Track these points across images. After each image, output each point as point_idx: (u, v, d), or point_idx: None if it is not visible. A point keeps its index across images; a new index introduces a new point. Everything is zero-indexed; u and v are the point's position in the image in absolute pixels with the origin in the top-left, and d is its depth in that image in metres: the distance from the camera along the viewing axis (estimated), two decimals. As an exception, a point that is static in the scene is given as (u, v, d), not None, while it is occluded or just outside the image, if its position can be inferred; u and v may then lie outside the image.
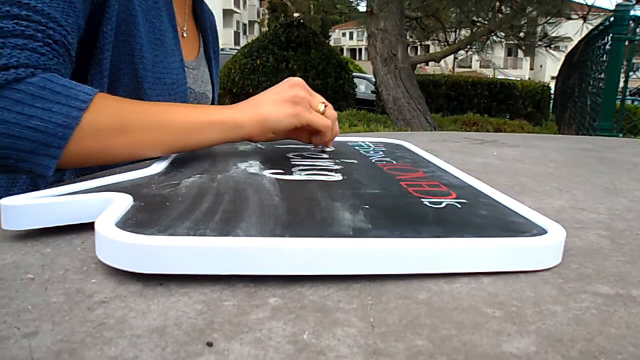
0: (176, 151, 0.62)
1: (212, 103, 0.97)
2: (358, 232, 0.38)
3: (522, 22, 5.71)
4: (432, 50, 8.77)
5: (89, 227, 0.41)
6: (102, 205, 0.42)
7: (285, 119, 0.63)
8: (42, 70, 0.55)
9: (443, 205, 0.47)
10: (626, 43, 3.04)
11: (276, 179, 0.54)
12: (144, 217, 0.40)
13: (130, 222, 0.38)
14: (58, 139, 0.52)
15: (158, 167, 0.57)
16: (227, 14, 34.86)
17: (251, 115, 0.63)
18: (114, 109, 0.57)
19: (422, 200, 0.48)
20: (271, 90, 0.66)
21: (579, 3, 5.50)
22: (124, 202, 0.42)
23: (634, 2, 4.72)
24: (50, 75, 0.54)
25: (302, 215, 0.42)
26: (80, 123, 0.53)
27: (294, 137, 0.72)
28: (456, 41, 6.75)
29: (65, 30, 0.60)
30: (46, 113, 0.52)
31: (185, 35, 0.89)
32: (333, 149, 0.74)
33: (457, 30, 6.90)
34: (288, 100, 0.64)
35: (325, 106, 0.67)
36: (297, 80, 0.66)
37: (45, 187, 0.48)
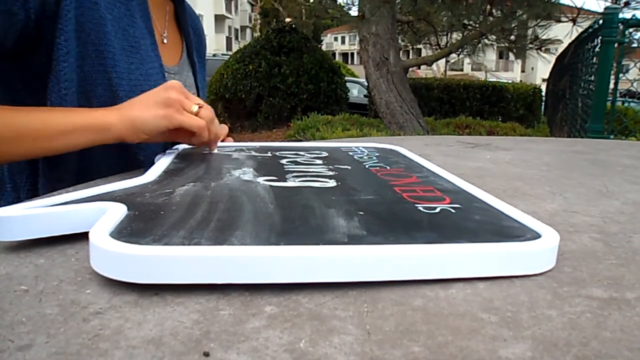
0: (39, 156, 0.64)
1: None
2: (353, 239, 0.38)
3: (513, 25, 5.74)
4: (424, 53, 8.81)
5: (82, 237, 0.40)
6: (96, 214, 0.42)
7: (155, 120, 0.64)
8: None
9: (437, 210, 0.47)
10: (615, 45, 3.06)
11: (270, 185, 0.54)
12: (138, 227, 0.39)
13: (125, 232, 0.38)
14: None
15: (152, 175, 0.57)
16: (219, 19, 34.86)
17: (121, 117, 0.64)
18: None
19: (416, 205, 0.48)
20: (146, 94, 0.66)
21: (568, 6, 5.54)
22: (118, 211, 0.42)
23: (623, 5, 4.76)
24: None
25: (297, 223, 0.42)
26: None
27: (173, 139, 0.72)
28: (448, 44, 6.77)
29: None
30: None
31: (165, 41, 0.88)
32: (216, 151, 0.74)
33: (449, 34, 6.93)
34: (159, 102, 0.64)
35: (200, 107, 0.67)
36: (173, 82, 0.67)
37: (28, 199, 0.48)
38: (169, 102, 0.64)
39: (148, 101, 0.65)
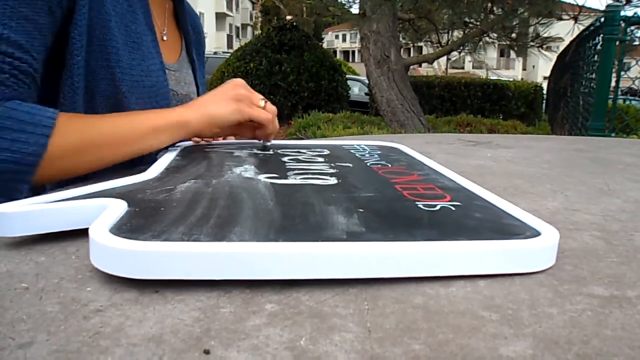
0: (135, 156, 0.68)
1: None
2: (352, 236, 0.38)
3: (514, 23, 5.73)
4: (425, 51, 8.80)
5: (83, 234, 0.40)
6: (97, 211, 0.42)
7: (230, 114, 0.72)
8: (5, 100, 0.57)
9: (437, 208, 0.47)
10: (617, 43, 3.06)
11: (271, 183, 0.54)
12: (139, 223, 0.39)
13: (125, 228, 0.38)
14: (28, 166, 0.57)
15: (153, 172, 0.57)
16: (220, 17, 34.84)
17: (198, 114, 0.71)
18: (75, 129, 0.62)
19: (417, 203, 0.48)
20: (215, 91, 0.74)
21: (569, 4, 5.53)
22: (118, 207, 0.42)
23: (624, 2, 4.75)
24: (13, 104, 0.57)
25: (297, 220, 0.42)
26: (47, 149, 0.58)
27: (238, 133, 0.80)
28: (449, 42, 6.77)
29: (32, 56, 0.62)
30: (14, 144, 0.56)
31: (165, 38, 0.89)
32: (271, 143, 0.80)
33: (450, 32, 6.92)
34: (231, 98, 0.72)
35: (265, 102, 0.76)
36: (239, 80, 0.75)
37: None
38: (240, 97, 0.72)
39: (221, 97, 0.72)
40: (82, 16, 0.67)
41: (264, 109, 0.75)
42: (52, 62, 0.68)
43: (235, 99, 0.72)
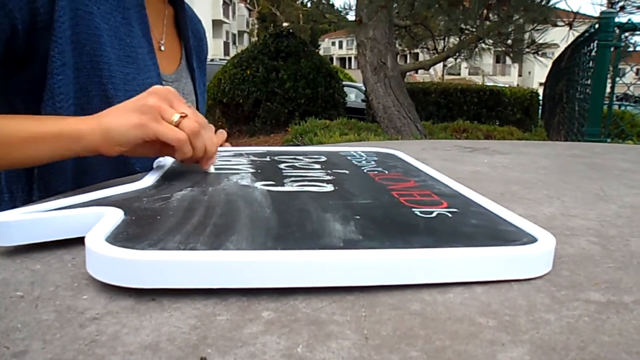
0: (12, 167, 0.60)
1: None
2: (349, 244, 0.38)
3: (510, 29, 5.76)
4: (421, 58, 8.82)
5: (79, 242, 0.40)
6: (93, 219, 0.42)
7: (129, 129, 0.56)
8: None
9: (434, 214, 0.47)
10: (612, 49, 3.07)
11: (268, 190, 0.54)
12: (135, 232, 0.39)
13: (121, 237, 0.38)
14: None
15: (149, 180, 0.57)
16: (217, 24, 34.92)
17: (93, 125, 0.58)
18: None
19: (413, 210, 0.48)
20: (128, 100, 0.59)
21: (564, 10, 5.57)
22: (114, 216, 0.42)
23: (618, 9, 4.79)
24: None
25: (293, 227, 0.42)
26: None
27: (160, 153, 0.64)
28: (445, 49, 6.79)
29: None
30: None
31: (162, 48, 0.87)
32: (213, 170, 0.63)
33: (446, 38, 6.95)
34: (136, 109, 0.57)
35: (182, 117, 0.58)
36: (159, 87, 0.60)
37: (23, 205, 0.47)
38: (145, 109, 0.57)
39: (125, 108, 0.58)
40: (63, 33, 0.65)
41: (177, 126, 0.57)
42: (32, 82, 0.67)
43: (140, 111, 0.57)
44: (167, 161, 0.68)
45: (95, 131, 0.57)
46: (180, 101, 0.60)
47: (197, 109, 0.96)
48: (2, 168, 0.60)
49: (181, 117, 0.57)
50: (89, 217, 0.43)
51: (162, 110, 0.57)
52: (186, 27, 0.92)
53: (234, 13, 40.32)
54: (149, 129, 0.56)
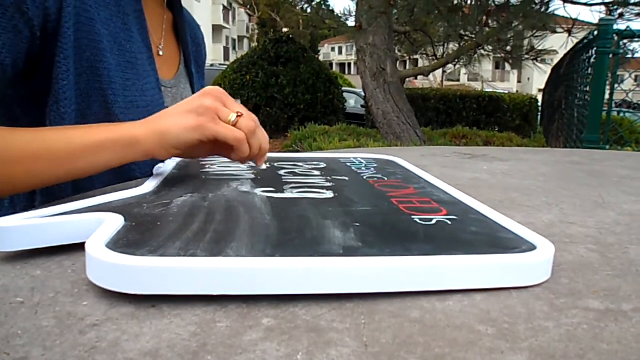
0: (65, 179, 0.58)
1: None
2: (348, 251, 0.38)
3: (509, 36, 5.78)
4: (420, 64, 8.85)
5: (79, 248, 0.40)
6: (94, 225, 0.42)
7: (186, 132, 0.56)
8: None
9: (433, 222, 0.47)
10: (610, 56, 3.09)
11: (267, 197, 0.54)
12: (135, 238, 0.39)
13: (121, 243, 0.38)
14: None
15: (150, 185, 0.57)
16: (217, 29, 35.00)
17: (149, 129, 0.57)
18: None
19: (413, 217, 0.49)
20: (181, 102, 0.59)
21: (563, 17, 5.59)
22: (115, 222, 0.42)
23: (617, 16, 4.81)
24: None
25: (293, 234, 0.42)
26: None
27: (214, 153, 0.65)
28: (444, 55, 6.81)
29: None
30: None
31: (161, 53, 0.86)
32: (266, 167, 0.65)
33: (445, 44, 6.97)
34: (192, 111, 0.57)
35: (239, 116, 0.58)
36: (212, 88, 0.59)
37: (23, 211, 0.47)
38: (202, 111, 0.57)
39: (180, 110, 0.58)
40: (68, 39, 0.65)
41: (235, 125, 0.58)
42: (37, 88, 0.66)
43: (197, 112, 0.57)
44: (167, 167, 0.68)
45: (150, 135, 0.57)
46: (232, 101, 0.60)
47: None
48: (72, 177, 0.58)
49: (238, 116, 0.58)
50: (89, 223, 0.43)
51: (219, 110, 0.57)
52: (185, 33, 0.92)
53: (234, 18, 40.43)
54: (208, 130, 0.56)
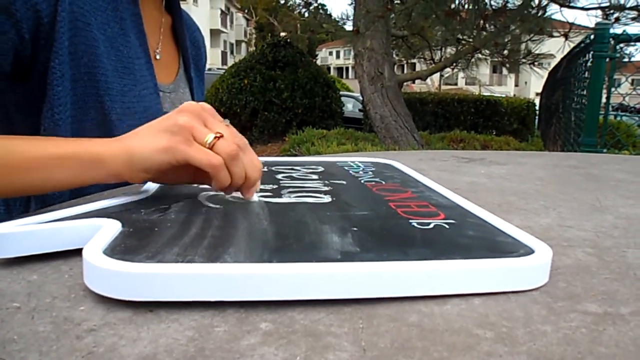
0: (22, 192, 0.54)
1: None
2: (346, 256, 0.38)
3: (506, 40, 5.81)
4: (418, 68, 8.88)
5: (76, 252, 0.40)
6: (91, 231, 0.42)
7: (156, 153, 0.49)
8: None
9: (431, 226, 0.47)
10: (607, 60, 3.10)
11: (265, 202, 0.54)
12: (132, 244, 0.39)
13: (118, 249, 0.38)
14: None
15: (147, 190, 0.57)
16: (215, 33, 35.03)
17: (117, 148, 0.51)
18: None
19: (411, 221, 0.48)
20: (158, 119, 0.52)
21: (560, 21, 5.62)
22: (112, 228, 0.42)
23: (613, 20, 4.83)
24: None
25: (291, 239, 0.42)
26: None
27: (196, 179, 0.56)
28: (442, 59, 6.84)
29: None
30: None
31: (158, 57, 0.85)
32: (258, 199, 0.55)
33: (443, 48, 7.00)
34: (164, 130, 0.50)
35: (217, 138, 0.50)
36: (191, 104, 0.52)
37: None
38: (176, 130, 0.49)
39: (152, 129, 0.51)
40: (63, 44, 0.65)
41: (212, 148, 0.49)
42: (32, 94, 0.66)
43: (169, 132, 0.49)
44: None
45: (119, 155, 0.51)
46: (217, 119, 0.52)
47: None
48: (21, 193, 0.54)
49: (216, 137, 0.50)
50: (86, 229, 0.43)
51: (194, 130, 0.50)
52: (184, 36, 0.91)
53: (231, 23, 40.47)
54: (178, 153, 0.49)
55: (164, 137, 0.49)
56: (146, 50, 0.79)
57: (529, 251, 0.41)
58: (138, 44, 0.77)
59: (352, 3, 5.69)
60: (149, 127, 0.51)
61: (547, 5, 5.28)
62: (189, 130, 0.49)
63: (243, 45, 42.38)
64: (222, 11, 35.44)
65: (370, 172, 0.75)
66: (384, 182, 0.68)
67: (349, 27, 6.07)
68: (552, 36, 5.42)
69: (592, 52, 3.15)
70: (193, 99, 0.93)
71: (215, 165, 0.49)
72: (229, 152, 0.50)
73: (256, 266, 0.35)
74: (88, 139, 0.54)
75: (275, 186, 0.62)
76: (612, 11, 4.99)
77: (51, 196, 0.69)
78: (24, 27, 0.62)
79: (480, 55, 6.22)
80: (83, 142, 0.53)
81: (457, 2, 5.34)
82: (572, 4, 5.29)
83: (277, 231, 0.44)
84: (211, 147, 0.49)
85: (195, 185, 0.60)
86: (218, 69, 14.47)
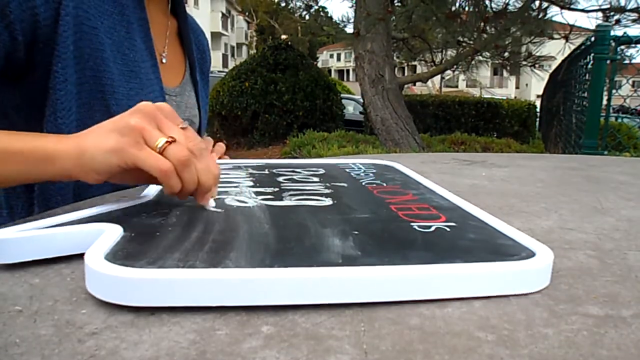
0: None
1: (199, 128, 0.95)
2: (347, 260, 0.38)
3: (507, 42, 5.80)
4: (419, 70, 8.89)
5: (78, 256, 0.40)
6: (92, 236, 0.42)
7: (104, 154, 0.47)
8: None
9: (432, 229, 0.47)
10: (608, 62, 3.10)
11: (266, 205, 0.54)
12: (134, 249, 0.39)
13: (120, 255, 0.38)
14: None
15: (149, 194, 0.57)
16: (216, 36, 35.07)
17: (69, 146, 0.49)
18: None
19: (412, 224, 0.48)
20: (113, 118, 0.50)
21: (561, 23, 5.62)
22: (113, 233, 0.42)
23: (614, 22, 4.83)
24: None
25: (292, 243, 0.42)
26: None
27: (146, 182, 0.54)
28: (443, 61, 6.84)
29: None
30: None
31: (164, 61, 0.85)
32: (213, 207, 0.53)
33: (444, 51, 7.00)
34: (115, 130, 0.48)
35: (169, 142, 0.47)
36: (146, 104, 0.50)
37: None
38: (126, 131, 0.47)
39: (105, 128, 0.49)
40: (67, 48, 0.64)
41: (162, 153, 0.47)
42: (32, 97, 0.66)
43: (120, 132, 0.47)
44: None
45: (71, 152, 0.49)
46: (173, 121, 0.50)
47: (200, 122, 0.95)
48: None
49: (167, 142, 0.47)
50: (88, 234, 0.43)
51: (145, 132, 0.48)
52: (189, 40, 0.92)
53: (232, 25, 40.51)
54: (126, 155, 0.47)
55: (112, 137, 0.48)
56: (152, 54, 0.79)
57: (530, 254, 0.41)
58: (144, 47, 0.77)
59: (352, 6, 5.70)
60: (101, 126, 0.50)
61: (547, 7, 5.28)
62: (139, 132, 0.47)
63: (244, 48, 42.43)
64: (223, 14, 35.50)
65: (372, 174, 0.75)
66: (385, 184, 0.68)
67: (349, 29, 6.08)
68: (552, 38, 5.43)
69: (592, 54, 3.15)
70: (198, 102, 0.93)
71: (164, 170, 0.47)
72: (179, 158, 0.47)
73: (258, 271, 0.35)
74: (45, 135, 0.52)
75: (276, 189, 0.62)
76: (612, 13, 4.99)
77: (54, 199, 0.69)
78: (17, 29, 0.62)
79: (481, 58, 6.22)
80: (36, 138, 0.51)
81: (457, 4, 5.35)
82: (572, 6, 5.29)
83: (278, 235, 0.44)
84: (162, 152, 0.47)
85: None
86: (219, 71, 14.48)
